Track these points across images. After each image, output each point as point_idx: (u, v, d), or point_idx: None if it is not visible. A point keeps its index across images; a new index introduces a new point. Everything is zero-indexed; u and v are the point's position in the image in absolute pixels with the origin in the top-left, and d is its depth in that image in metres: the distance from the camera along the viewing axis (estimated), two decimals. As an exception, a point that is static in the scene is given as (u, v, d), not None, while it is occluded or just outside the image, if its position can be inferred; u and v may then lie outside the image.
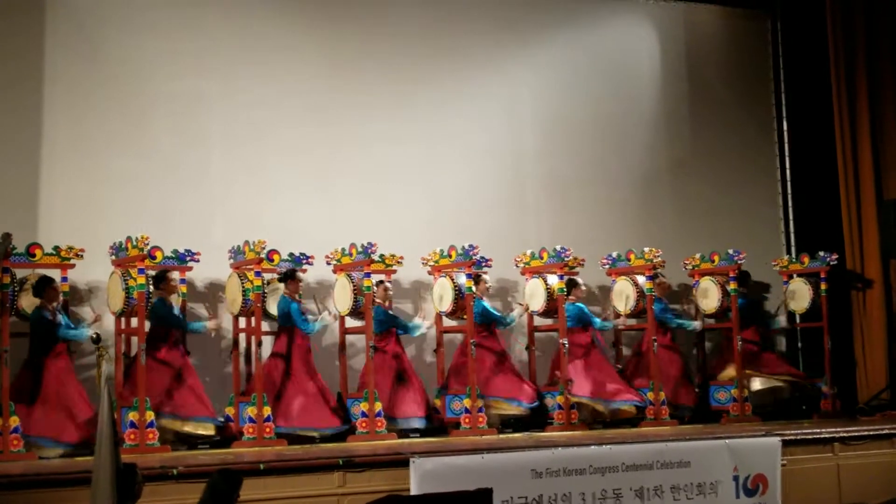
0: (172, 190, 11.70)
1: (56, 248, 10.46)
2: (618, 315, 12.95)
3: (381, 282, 11.72)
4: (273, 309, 11.30)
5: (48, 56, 11.34)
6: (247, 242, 10.90)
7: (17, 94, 11.21)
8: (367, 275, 11.20)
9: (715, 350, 13.56)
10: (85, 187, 11.35)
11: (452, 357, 12.05)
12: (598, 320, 12.47)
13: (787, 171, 14.80)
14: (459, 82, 13.29)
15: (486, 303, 12.06)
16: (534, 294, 12.45)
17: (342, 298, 11.50)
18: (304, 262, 11.42)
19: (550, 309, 12.33)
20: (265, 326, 11.12)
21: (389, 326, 11.63)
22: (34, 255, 10.33)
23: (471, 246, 11.56)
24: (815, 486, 10.35)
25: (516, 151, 13.52)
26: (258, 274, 10.77)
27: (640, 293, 12.63)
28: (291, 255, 11.36)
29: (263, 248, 10.77)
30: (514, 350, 12.72)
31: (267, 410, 10.52)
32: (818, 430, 10.68)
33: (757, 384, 12.94)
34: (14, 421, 9.70)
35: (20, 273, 10.34)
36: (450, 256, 11.87)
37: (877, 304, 13.65)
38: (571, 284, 12.40)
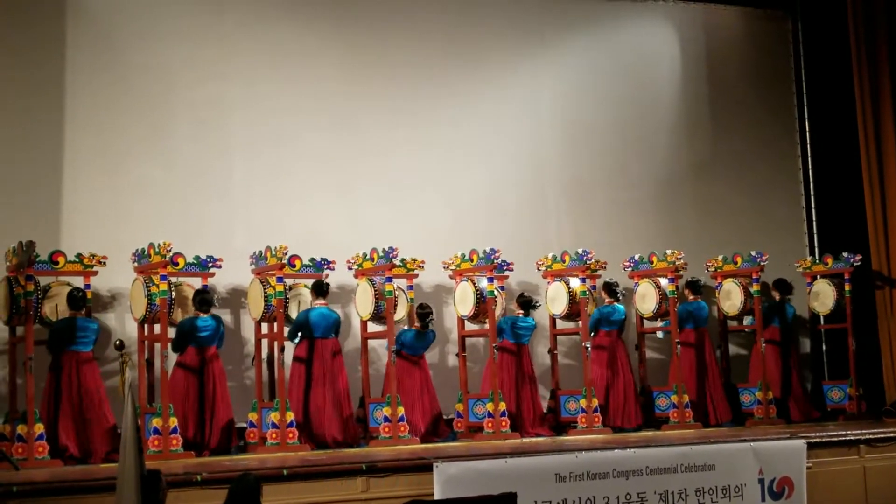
0: (194, 196, 11.74)
1: (79, 255, 10.50)
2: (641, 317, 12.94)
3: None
4: (295, 314, 11.31)
5: (70, 65, 11.40)
6: (268, 248, 10.91)
7: (39, 104, 11.27)
8: (389, 279, 11.20)
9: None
10: (107, 195, 11.40)
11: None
12: None
13: (810, 172, 14.73)
14: (479, 87, 13.29)
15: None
16: (556, 297, 12.43)
17: (363, 303, 11.50)
18: (326, 266, 11.43)
19: (573, 312, 12.30)
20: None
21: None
22: (57, 263, 10.38)
23: (492, 250, 11.54)
24: (841, 489, 10.28)
25: (537, 155, 13.50)
26: (280, 279, 10.79)
27: (663, 295, 12.59)
28: (313, 260, 11.36)
29: (285, 254, 10.78)
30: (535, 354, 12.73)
31: (290, 416, 10.53)
32: (844, 433, 10.62)
33: None
34: (38, 428, 9.74)
35: (43, 281, 10.38)
36: (471, 260, 11.86)
37: (902, 304, 13.56)
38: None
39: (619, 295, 12.61)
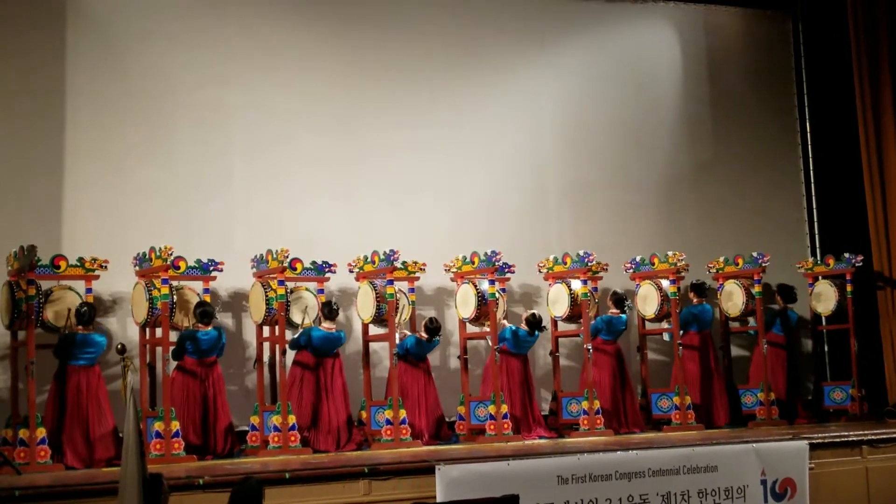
0: (195, 199, 11.74)
1: (80, 259, 10.49)
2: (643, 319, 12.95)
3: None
4: (296, 317, 11.29)
5: (70, 68, 11.40)
6: (269, 251, 10.92)
7: (40, 107, 11.26)
8: (390, 282, 11.19)
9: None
10: (108, 198, 11.40)
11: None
12: None
13: (811, 173, 14.72)
14: (480, 90, 13.28)
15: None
16: (557, 300, 12.42)
17: (365, 306, 11.49)
18: (327, 270, 11.42)
19: (574, 314, 12.30)
20: (289, 335, 11.11)
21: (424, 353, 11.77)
22: (59, 267, 10.38)
23: (493, 252, 11.54)
24: (843, 490, 10.26)
25: (538, 157, 13.50)
26: (281, 283, 10.78)
27: (665, 297, 12.58)
28: (314, 263, 11.36)
29: (286, 257, 10.78)
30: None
31: (292, 419, 10.53)
32: (846, 433, 10.60)
33: None
34: (41, 432, 9.74)
35: (45, 285, 10.37)
36: (472, 263, 11.85)
37: (904, 305, 13.55)
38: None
39: (626, 308, 12.57)
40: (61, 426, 10.07)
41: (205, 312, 10.66)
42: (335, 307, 11.20)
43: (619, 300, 12.49)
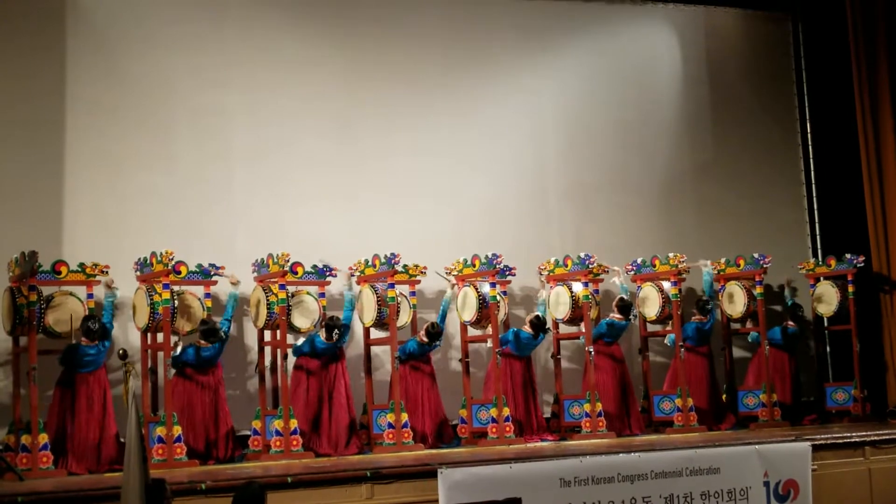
0: (196, 204, 11.73)
1: (81, 265, 10.47)
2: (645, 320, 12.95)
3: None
4: (298, 321, 11.27)
5: (70, 73, 11.40)
6: (270, 255, 10.91)
7: (39, 112, 11.26)
8: (391, 285, 11.19)
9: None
10: (109, 203, 11.39)
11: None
12: None
13: (812, 174, 14.71)
14: (480, 92, 13.27)
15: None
16: (558, 302, 12.41)
17: (366, 310, 11.49)
18: (328, 273, 11.41)
19: (575, 316, 12.28)
20: (290, 339, 11.11)
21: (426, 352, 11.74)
22: (60, 273, 10.36)
23: (494, 255, 11.53)
24: (846, 491, 10.26)
25: (538, 159, 13.49)
26: (282, 287, 10.77)
27: (666, 299, 12.57)
28: (315, 267, 11.35)
29: (287, 261, 10.78)
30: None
31: (294, 423, 10.52)
32: (848, 434, 10.60)
33: None
34: (43, 438, 9.73)
35: (46, 290, 10.37)
36: (473, 266, 11.85)
37: (905, 305, 13.54)
38: None
39: (631, 317, 12.53)
40: (64, 432, 10.06)
41: (208, 331, 10.60)
42: (335, 334, 11.11)
43: (625, 307, 12.39)
